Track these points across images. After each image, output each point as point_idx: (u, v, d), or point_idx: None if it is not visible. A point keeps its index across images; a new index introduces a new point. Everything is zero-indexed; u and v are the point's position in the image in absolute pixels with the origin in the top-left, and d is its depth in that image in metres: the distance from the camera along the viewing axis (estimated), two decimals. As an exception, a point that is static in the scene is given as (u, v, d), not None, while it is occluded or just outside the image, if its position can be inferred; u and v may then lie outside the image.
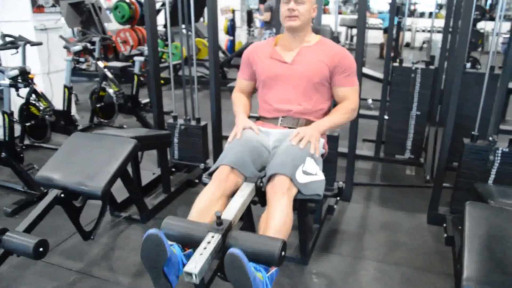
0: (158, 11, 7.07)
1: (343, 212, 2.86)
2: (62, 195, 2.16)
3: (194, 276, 1.34)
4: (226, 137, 3.29)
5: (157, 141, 2.80)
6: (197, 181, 3.24)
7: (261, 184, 1.78)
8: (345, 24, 10.46)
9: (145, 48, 4.08)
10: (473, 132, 2.49)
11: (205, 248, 1.42)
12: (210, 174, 1.88)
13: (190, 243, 1.53)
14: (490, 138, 2.47)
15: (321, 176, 1.81)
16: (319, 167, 1.85)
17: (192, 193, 3.15)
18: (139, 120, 4.32)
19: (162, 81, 5.91)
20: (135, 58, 4.19)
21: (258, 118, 2.21)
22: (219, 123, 3.31)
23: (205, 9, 5.33)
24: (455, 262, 2.26)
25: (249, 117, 2.20)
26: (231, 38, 8.77)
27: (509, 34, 3.00)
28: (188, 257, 1.49)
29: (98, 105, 4.28)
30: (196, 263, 1.36)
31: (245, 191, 1.73)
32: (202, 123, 3.30)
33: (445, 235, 2.52)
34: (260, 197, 1.80)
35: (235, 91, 2.30)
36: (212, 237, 1.45)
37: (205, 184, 1.90)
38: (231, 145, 1.94)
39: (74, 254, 2.37)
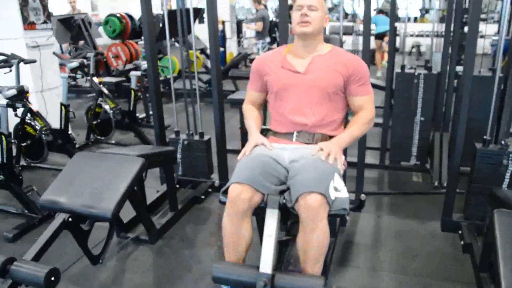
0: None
1: (355, 223, 2.80)
2: (70, 219, 2.07)
3: None
4: (229, 151, 3.29)
5: (162, 158, 2.72)
6: (203, 197, 3.16)
7: (284, 201, 1.72)
8: (334, 32, 10.51)
9: (141, 62, 4.01)
10: (485, 137, 2.47)
11: None
12: (225, 192, 1.81)
13: (241, 286, 1.69)
14: (503, 142, 2.45)
15: (346, 193, 1.77)
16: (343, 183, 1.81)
17: (199, 209, 3.07)
18: (138, 136, 4.23)
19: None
20: (132, 72, 4.11)
21: (269, 131, 2.15)
22: (223, 137, 3.25)
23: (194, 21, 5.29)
24: (476, 270, 2.21)
25: (261, 130, 2.15)
26: (222, 49, 8.74)
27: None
28: None
29: (94, 122, 4.19)
30: None
31: (272, 226, 1.68)
32: (206, 137, 3.24)
33: (462, 242, 2.48)
34: (283, 213, 1.74)
35: (246, 103, 2.25)
36: None
37: (222, 203, 1.84)
38: (242, 163, 1.88)
39: (83, 280, 2.27)
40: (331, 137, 2.00)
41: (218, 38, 8.46)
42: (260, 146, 1.97)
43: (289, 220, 1.83)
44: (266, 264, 1.62)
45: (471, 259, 2.36)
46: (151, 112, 5.00)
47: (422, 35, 10.56)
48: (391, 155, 3.63)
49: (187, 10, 3.20)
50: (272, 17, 9.94)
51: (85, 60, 3.69)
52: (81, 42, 6.28)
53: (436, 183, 3.21)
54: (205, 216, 2.99)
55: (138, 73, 4.07)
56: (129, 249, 2.57)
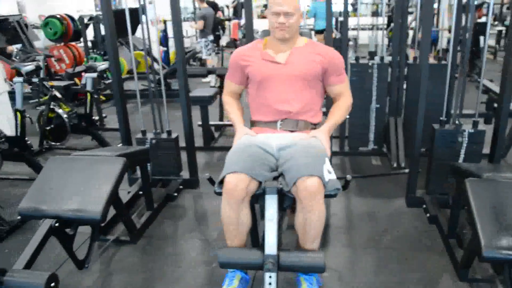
0: (87, 25, 6.79)
1: (327, 206, 2.93)
2: (57, 225, 2.01)
3: None
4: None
5: (138, 157, 2.69)
6: (175, 194, 3.16)
7: (281, 185, 1.81)
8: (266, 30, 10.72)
9: (97, 64, 3.90)
10: (441, 118, 2.71)
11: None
12: (220, 183, 1.87)
13: (247, 268, 1.89)
14: (457, 122, 2.71)
15: (334, 174, 1.90)
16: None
17: (173, 207, 3.07)
18: (96, 139, 4.10)
19: (103, 98, 5.70)
20: (87, 74, 3.98)
21: (252, 123, 2.23)
22: (191, 134, 3.27)
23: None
24: (445, 238, 2.44)
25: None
26: (165, 49, 8.62)
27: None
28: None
29: (47, 128, 4.00)
30: None
31: (272, 211, 1.77)
32: (174, 135, 3.24)
33: (427, 215, 2.72)
34: (281, 198, 1.83)
35: (225, 94, 2.31)
36: (270, 277, 1.70)
37: (218, 193, 1.89)
38: (233, 153, 1.96)
39: (72, 286, 2.21)
40: (312, 123, 2.13)
41: (161, 38, 8.31)
42: (247, 136, 2.05)
43: (283, 204, 1.92)
44: (271, 245, 1.72)
45: (437, 229, 2.60)
46: (103, 115, 4.89)
47: (356, 29, 11.05)
48: (350, 142, 3.84)
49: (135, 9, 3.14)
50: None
51: (41, 64, 3.52)
52: (11, 48, 5.89)
53: (394, 165, 3.46)
54: (180, 213, 3.00)
55: (94, 75, 3.95)
56: (111, 251, 2.53)
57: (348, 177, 1.97)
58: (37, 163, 3.45)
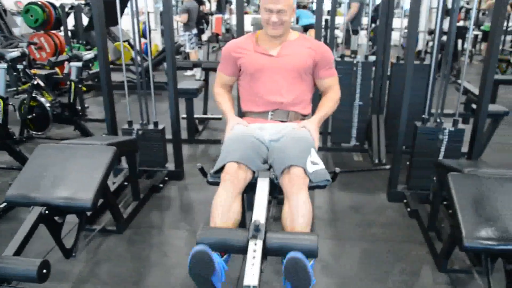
0: (68, 14, 6.66)
1: (312, 200, 3.01)
2: (47, 212, 2.00)
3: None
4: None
5: (127, 147, 2.69)
6: (161, 185, 3.17)
7: (273, 176, 1.86)
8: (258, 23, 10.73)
9: (83, 53, 3.85)
10: (423, 116, 2.82)
11: (254, 258, 1.50)
12: (216, 172, 1.90)
13: (230, 250, 1.65)
14: (438, 120, 2.81)
15: (323, 165, 1.94)
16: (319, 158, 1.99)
17: (158, 198, 3.08)
18: (79, 129, 4.06)
19: (84, 88, 5.61)
20: (72, 64, 3.92)
21: (243, 114, 2.27)
22: (178, 126, 3.28)
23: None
24: (425, 231, 2.54)
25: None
26: (147, 41, 8.52)
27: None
28: (226, 262, 1.67)
29: (29, 117, 3.93)
30: (253, 275, 1.45)
31: (264, 188, 1.80)
32: (160, 126, 3.24)
33: (408, 209, 2.82)
34: (272, 189, 1.87)
35: (216, 86, 2.33)
36: (255, 244, 1.54)
37: (211, 183, 1.92)
38: (230, 142, 1.98)
39: (59, 274, 2.19)
40: (302, 114, 2.19)
41: (143, 30, 8.20)
42: (241, 126, 2.09)
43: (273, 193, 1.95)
44: (258, 226, 1.56)
45: (417, 223, 2.70)
46: (86, 105, 4.83)
47: (337, 28, 11.22)
48: (333, 137, 3.92)
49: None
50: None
51: (27, 50, 3.46)
52: None
53: (376, 161, 3.56)
54: (166, 204, 3.01)
55: (79, 64, 3.90)
56: (98, 240, 2.53)
57: (337, 169, 2.03)
58: (19, 152, 3.39)
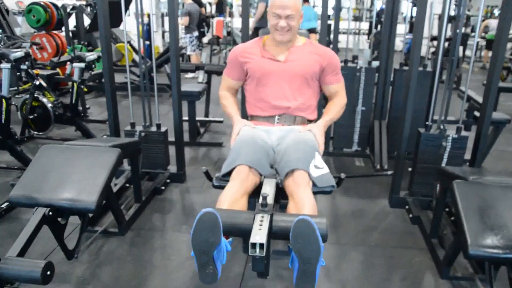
0: (70, 14, 6.66)
1: (314, 205, 3.03)
2: (50, 213, 1.99)
3: (259, 247, 1.36)
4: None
5: (130, 149, 2.68)
6: (163, 188, 3.17)
7: (279, 180, 1.86)
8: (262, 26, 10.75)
9: (86, 54, 3.84)
10: (427, 122, 2.82)
11: (261, 224, 1.45)
12: (225, 175, 1.90)
13: (236, 231, 1.56)
14: (441, 127, 2.82)
15: (327, 170, 1.94)
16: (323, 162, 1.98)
17: (160, 200, 3.08)
18: (81, 130, 4.05)
19: (85, 89, 5.61)
20: (75, 64, 3.91)
21: (250, 118, 2.27)
22: (181, 128, 3.28)
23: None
24: (427, 237, 2.54)
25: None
26: (148, 42, 8.52)
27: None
28: (230, 244, 1.56)
29: (30, 117, 3.92)
30: (261, 235, 1.38)
31: (271, 186, 1.81)
32: (163, 129, 3.24)
33: (410, 215, 2.82)
34: (277, 194, 1.88)
35: (222, 89, 2.34)
36: (262, 217, 1.49)
37: (217, 187, 1.92)
38: (240, 145, 1.97)
39: (60, 276, 2.18)
40: (309, 120, 2.19)
41: (145, 32, 8.26)
42: (248, 128, 2.08)
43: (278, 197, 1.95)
44: (265, 203, 1.52)
45: (420, 229, 2.70)
46: (87, 106, 4.82)
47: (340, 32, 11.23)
48: (335, 142, 3.92)
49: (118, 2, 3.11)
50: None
51: (30, 50, 3.45)
52: None
53: (378, 166, 3.56)
54: (168, 207, 3.01)
55: (82, 65, 3.89)
56: (99, 242, 2.52)
57: (342, 175, 2.03)
58: (20, 152, 3.38)
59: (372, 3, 13.66)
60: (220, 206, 1.70)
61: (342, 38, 4.87)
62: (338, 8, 3.54)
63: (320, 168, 1.89)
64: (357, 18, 10.91)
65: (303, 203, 1.70)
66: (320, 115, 2.26)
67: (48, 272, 1.71)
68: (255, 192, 1.85)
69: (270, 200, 1.59)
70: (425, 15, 2.63)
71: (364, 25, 9.90)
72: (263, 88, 2.15)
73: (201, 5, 9.88)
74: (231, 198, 1.73)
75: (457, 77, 6.65)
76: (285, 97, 2.12)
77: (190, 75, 7.51)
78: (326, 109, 2.22)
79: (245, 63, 2.18)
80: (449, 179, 2.21)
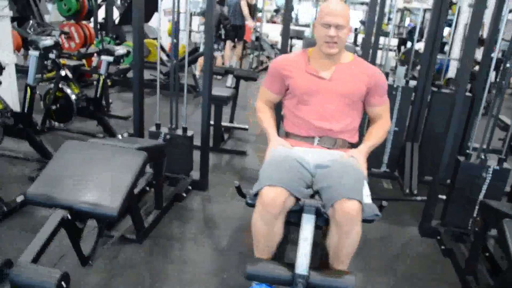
0: (100, 6, 6.62)
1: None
2: (69, 217, 1.88)
3: None
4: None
5: (156, 153, 2.57)
6: (184, 194, 3.04)
7: (321, 206, 1.73)
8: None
9: (115, 48, 3.76)
10: (467, 151, 2.66)
11: None
12: (255, 195, 1.77)
13: (277, 284, 1.76)
14: (482, 157, 2.65)
15: (370, 198, 1.83)
16: None
17: (181, 208, 2.95)
18: (102, 126, 3.96)
19: (109, 82, 5.54)
20: (103, 57, 3.82)
21: (287, 135, 2.15)
22: (208, 134, 3.16)
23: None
24: (460, 272, 2.39)
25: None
26: (175, 41, 8.46)
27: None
28: None
29: (53, 107, 3.85)
30: None
31: (308, 231, 1.72)
32: (189, 132, 3.12)
33: (442, 247, 2.65)
34: (318, 217, 1.76)
35: (259, 101, 2.22)
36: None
37: (250, 205, 1.81)
38: (270, 165, 1.85)
39: (73, 283, 2.05)
40: (350, 143, 2.06)
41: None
42: (282, 148, 1.96)
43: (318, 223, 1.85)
44: (303, 265, 1.68)
45: (452, 263, 2.53)
46: (110, 101, 4.74)
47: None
48: (363, 161, 3.76)
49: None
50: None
51: (60, 39, 3.38)
52: None
53: (407, 190, 3.39)
54: (189, 215, 2.88)
55: (110, 58, 3.80)
56: (115, 248, 2.40)
57: (384, 203, 1.89)
58: (40, 142, 3.30)
59: (401, 19, 13.45)
60: (257, 248, 1.84)
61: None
62: (377, 23, 3.38)
63: (367, 196, 1.79)
64: (386, 34, 10.69)
65: (347, 250, 1.78)
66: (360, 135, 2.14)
67: (63, 283, 1.59)
68: (292, 213, 1.78)
69: (303, 271, 1.68)
70: (477, 38, 2.48)
71: (393, 41, 9.72)
72: (305, 107, 2.02)
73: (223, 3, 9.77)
74: (263, 239, 1.80)
75: (487, 102, 6.43)
76: (327, 118, 1.99)
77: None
78: (368, 132, 2.09)
79: (287, 78, 2.05)
80: (494, 215, 2.06)
